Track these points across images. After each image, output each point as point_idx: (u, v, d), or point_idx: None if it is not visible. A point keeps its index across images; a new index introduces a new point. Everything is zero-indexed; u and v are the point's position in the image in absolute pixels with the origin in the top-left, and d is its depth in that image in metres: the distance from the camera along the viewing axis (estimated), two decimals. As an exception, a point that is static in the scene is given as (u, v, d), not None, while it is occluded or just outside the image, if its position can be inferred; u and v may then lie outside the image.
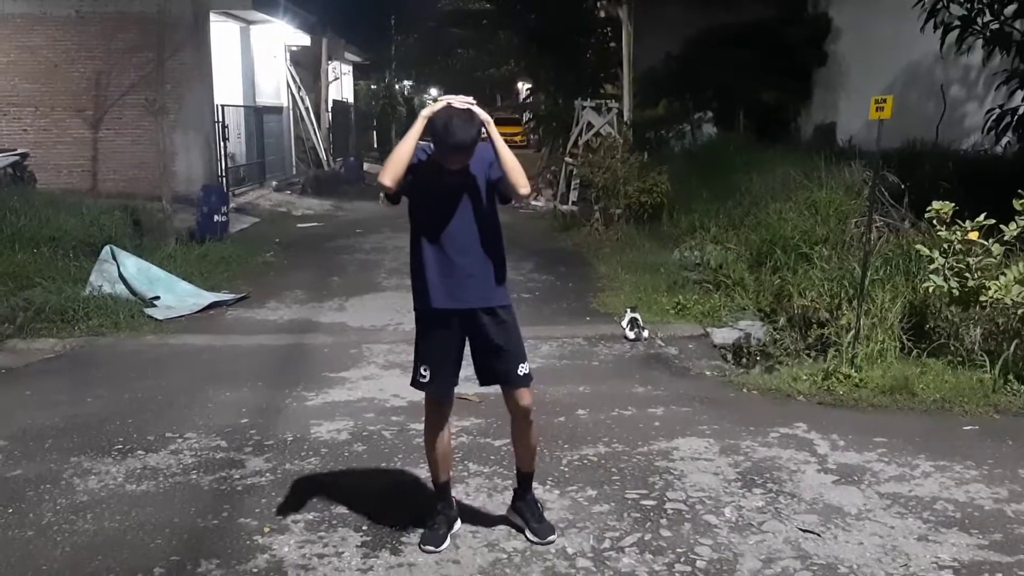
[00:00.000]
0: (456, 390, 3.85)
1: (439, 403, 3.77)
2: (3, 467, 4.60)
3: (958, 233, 6.25)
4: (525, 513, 3.86)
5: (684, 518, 4.00)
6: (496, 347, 3.67)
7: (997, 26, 9.21)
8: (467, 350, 3.76)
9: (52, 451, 4.82)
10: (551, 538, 3.76)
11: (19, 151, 13.89)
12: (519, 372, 3.69)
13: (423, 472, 4.53)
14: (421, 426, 5.06)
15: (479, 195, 3.62)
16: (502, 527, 3.89)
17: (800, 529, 3.88)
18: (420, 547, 3.69)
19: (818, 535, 3.82)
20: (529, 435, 3.82)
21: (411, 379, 3.80)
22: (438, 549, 3.68)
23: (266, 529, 3.89)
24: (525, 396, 3.72)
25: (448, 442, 3.87)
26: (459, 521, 3.88)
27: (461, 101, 3.46)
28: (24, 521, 3.98)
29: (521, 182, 3.55)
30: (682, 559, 3.62)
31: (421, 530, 3.80)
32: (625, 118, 16.16)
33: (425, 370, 3.70)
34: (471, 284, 3.60)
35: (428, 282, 3.62)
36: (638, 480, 4.41)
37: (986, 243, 6.19)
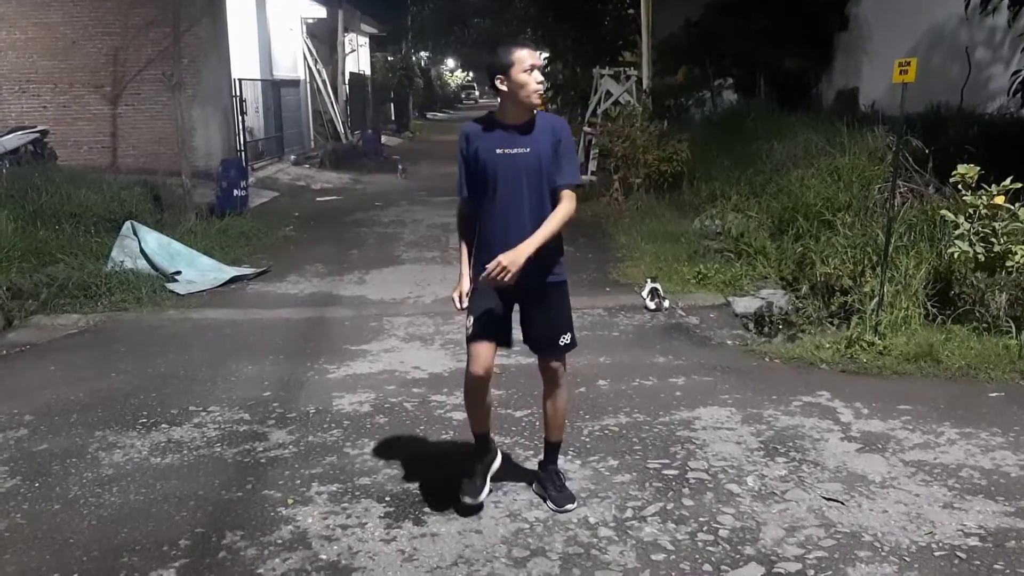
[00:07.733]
0: None
1: (478, 354, 3.63)
2: (29, 442, 4.66)
3: (984, 198, 6.15)
4: (546, 482, 3.89)
5: (706, 487, 3.99)
6: (542, 317, 3.70)
7: (1024, -14, 9.02)
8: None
9: (77, 425, 4.87)
10: (568, 507, 3.77)
11: (39, 128, 13.93)
12: (560, 342, 3.72)
13: (445, 443, 4.57)
14: (442, 397, 5.15)
15: (537, 164, 3.57)
16: (524, 497, 3.90)
17: (824, 497, 3.86)
18: (460, 497, 3.71)
19: (842, 503, 3.80)
20: (561, 400, 3.85)
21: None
22: (477, 500, 3.73)
23: (290, 500, 3.92)
24: (562, 364, 3.77)
25: (485, 395, 3.76)
26: (499, 458, 3.91)
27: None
28: (51, 495, 4.02)
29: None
30: (704, 528, 3.62)
31: (443, 501, 3.82)
32: (644, 86, 15.96)
33: (472, 323, 3.66)
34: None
35: (486, 251, 3.59)
36: (660, 450, 4.41)
37: (1012, 207, 6.09)
